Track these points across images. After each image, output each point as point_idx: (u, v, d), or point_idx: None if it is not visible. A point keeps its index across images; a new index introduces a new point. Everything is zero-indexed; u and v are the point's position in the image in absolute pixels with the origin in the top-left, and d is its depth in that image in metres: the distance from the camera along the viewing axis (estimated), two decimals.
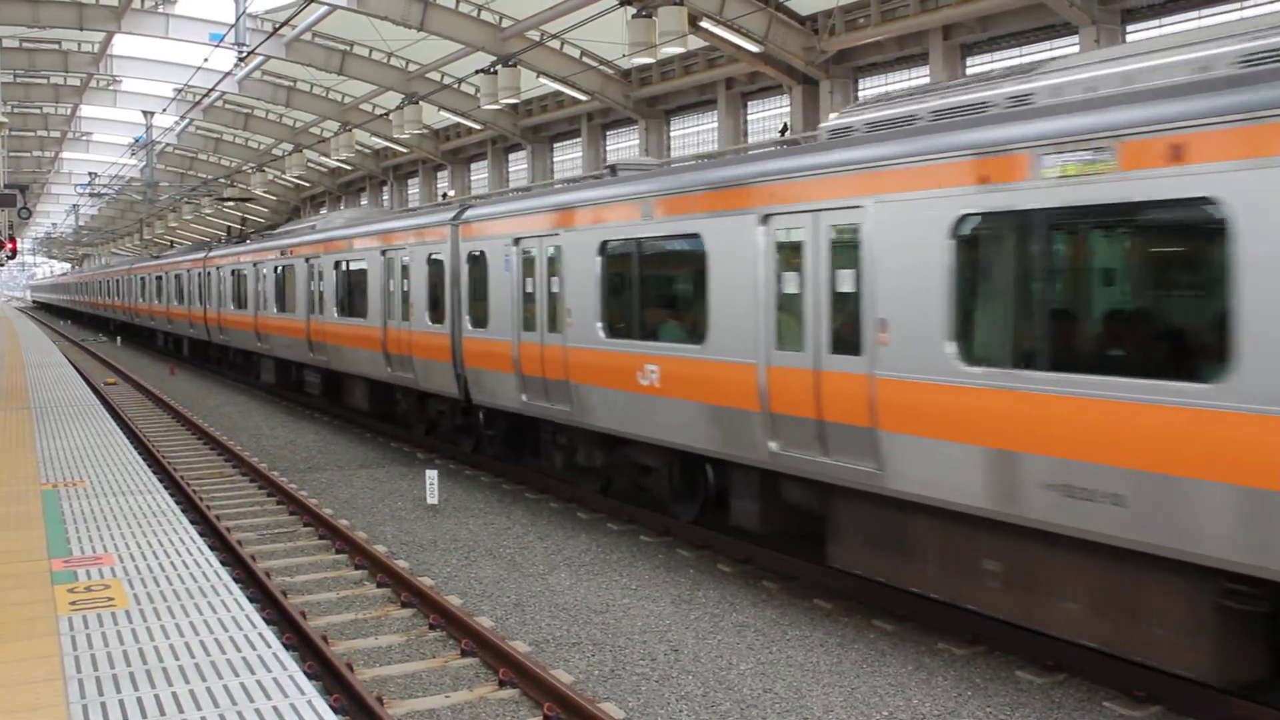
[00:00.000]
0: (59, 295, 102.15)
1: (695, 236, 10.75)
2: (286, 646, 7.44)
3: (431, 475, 14.66)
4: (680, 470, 12.00)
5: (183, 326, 37.45)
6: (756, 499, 10.56)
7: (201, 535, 9.75)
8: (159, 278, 41.24)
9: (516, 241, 14.21)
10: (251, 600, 8.12)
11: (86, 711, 5.08)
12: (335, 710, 5.82)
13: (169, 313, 39.43)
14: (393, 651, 8.98)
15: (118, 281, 54.43)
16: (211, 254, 32.77)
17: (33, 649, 5.92)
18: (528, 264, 14.02)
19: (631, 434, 11.99)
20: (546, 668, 8.19)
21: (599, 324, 12.42)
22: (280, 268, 24.88)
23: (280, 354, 25.47)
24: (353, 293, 20.22)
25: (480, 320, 15.19)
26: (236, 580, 9.32)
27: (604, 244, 12.38)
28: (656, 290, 12.05)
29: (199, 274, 33.80)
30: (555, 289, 13.29)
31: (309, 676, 6.09)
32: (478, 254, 15.26)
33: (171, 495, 10.90)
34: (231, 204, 53.24)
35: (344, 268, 20.75)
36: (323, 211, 56.59)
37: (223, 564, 8.38)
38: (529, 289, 13.96)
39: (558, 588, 10.71)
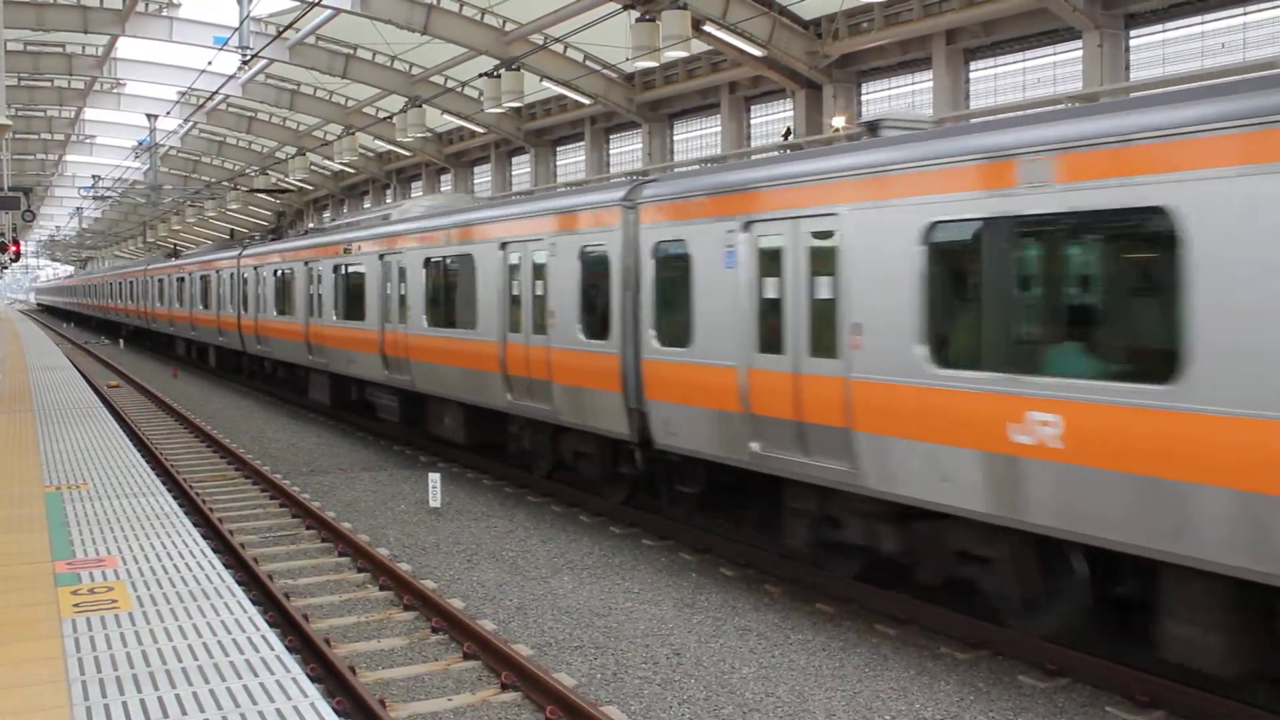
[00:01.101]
0: (65, 298, 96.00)
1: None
2: (289, 649, 7.44)
3: (434, 478, 14.66)
4: None
5: (209, 334, 33.29)
6: None
7: (204, 538, 9.75)
8: (180, 279, 37.19)
9: (748, 227, 10.22)
10: (254, 603, 8.12)
11: (89, 713, 5.08)
12: (338, 713, 5.82)
13: (193, 318, 35.26)
14: (395, 654, 8.98)
15: (131, 284, 50.23)
16: (248, 252, 28.67)
17: (36, 651, 5.93)
18: (772, 259, 9.99)
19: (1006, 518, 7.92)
20: (549, 671, 8.19)
21: (917, 345, 8.48)
22: (343, 267, 21.01)
23: (340, 370, 21.28)
24: (450, 297, 16.47)
25: (677, 337, 11.17)
26: (239, 583, 9.32)
27: (937, 226, 8.37)
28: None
29: (231, 275, 29.74)
30: (827, 294, 9.42)
31: (311, 679, 6.09)
32: (673, 246, 11.30)
33: (174, 498, 10.91)
34: (250, 194, 53.19)
35: (439, 266, 16.84)
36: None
37: (225, 566, 8.39)
38: (773, 294, 10.00)
39: (560, 591, 10.70)
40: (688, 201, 11.16)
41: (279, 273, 25.23)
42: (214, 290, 31.81)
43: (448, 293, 16.56)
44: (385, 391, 19.35)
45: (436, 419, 17.64)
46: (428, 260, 17.13)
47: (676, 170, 12.43)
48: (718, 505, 12.01)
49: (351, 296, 20.42)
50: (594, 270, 12.68)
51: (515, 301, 14.29)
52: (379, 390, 19.65)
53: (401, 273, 17.95)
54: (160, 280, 41.35)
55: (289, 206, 61.60)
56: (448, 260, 16.49)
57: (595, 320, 12.63)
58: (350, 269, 20.58)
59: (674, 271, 11.36)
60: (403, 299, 17.87)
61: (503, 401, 14.72)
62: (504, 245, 14.56)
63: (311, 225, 32.95)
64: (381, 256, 18.72)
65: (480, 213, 15.78)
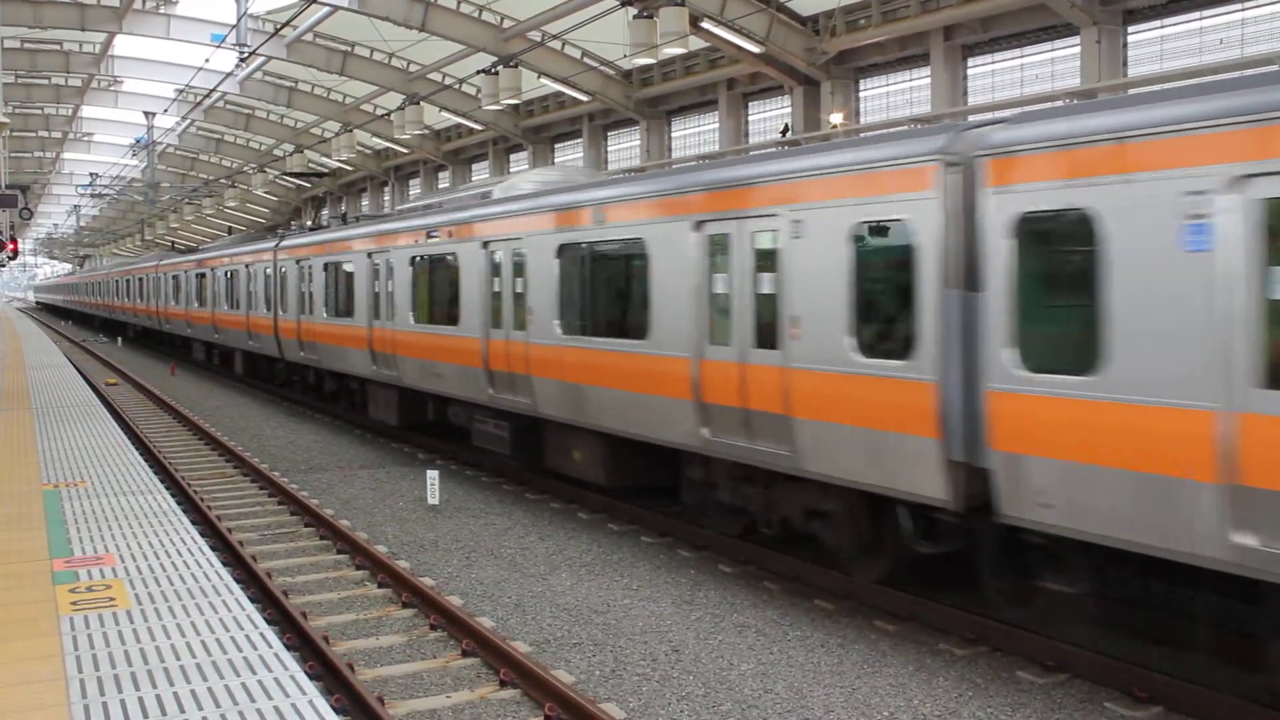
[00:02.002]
0: (66, 296, 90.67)
1: None
2: (288, 647, 7.44)
3: (432, 476, 14.66)
4: None
5: (235, 337, 29.18)
6: None
7: (203, 535, 9.76)
8: (200, 276, 33.43)
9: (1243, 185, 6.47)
10: (253, 600, 8.13)
11: (88, 711, 5.08)
12: (336, 710, 5.83)
13: (216, 320, 31.12)
14: (394, 652, 8.98)
15: (140, 281, 46.19)
16: (286, 243, 24.78)
17: (34, 649, 5.93)
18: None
19: None
20: (547, 668, 8.19)
21: None
22: (424, 259, 17.08)
23: (418, 385, 17.40)
24: (611, 297, 12.89)
25: (1066, 356, 7.52)
26: (238, 580, 9.33)
27: None
28: None
29: (265, 270, 25.96)
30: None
31: (310, 677, 6.09)
32: (1060, 218, 7.59)
33: (173, 495, 10.91)
34: (248, 193, 52.81)
35: (592, 256, 12.90)
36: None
37: (224, 564, 8.38)
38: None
39: (559, 588, 10.71)
40: (1097, 150, 7.24)
41: (331, 267, 21.43)
42: (242, 288, 27.92)
43: (607, 291, 12.91)
44: (489, 415, 15.39)
45: (562, 452, 13.87)
46: (570, 247, 13.14)
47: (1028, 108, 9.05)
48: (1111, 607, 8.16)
49: (438, 295, 16.75)
50: (880, 258, 9.04)
51: (716, 301, 10.89)
52: (479, 413, 15.77)
53: (518, 265, 14.27)
54: (175, 277, 37.60)
55: (286, 204, 61.57)
56: (612, 247, 12.55)
57: (881, 328, 9.07)
58: (436, 260, 16.76)
59: (1059, 257, 7.82)
60: (520, 298, 14.22)
61: (696, 438, 11.03)
62: (699, 225, 10.94)
63: (363, 212, 28.08)
64: (486, 244, 15.03)
65: (674, 180, 11.73)
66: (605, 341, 12.49)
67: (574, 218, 13.12)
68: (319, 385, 24.22)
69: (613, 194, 12.55)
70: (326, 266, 21.66)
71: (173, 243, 56.53)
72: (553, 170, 18.80)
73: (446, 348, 16.16)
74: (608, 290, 12.92)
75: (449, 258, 16.25)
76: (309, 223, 35.13)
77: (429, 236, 16.86)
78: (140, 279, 46.07)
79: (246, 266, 27.69)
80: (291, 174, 38.64)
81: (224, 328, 30.39)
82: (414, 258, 17.42)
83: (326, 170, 39.52)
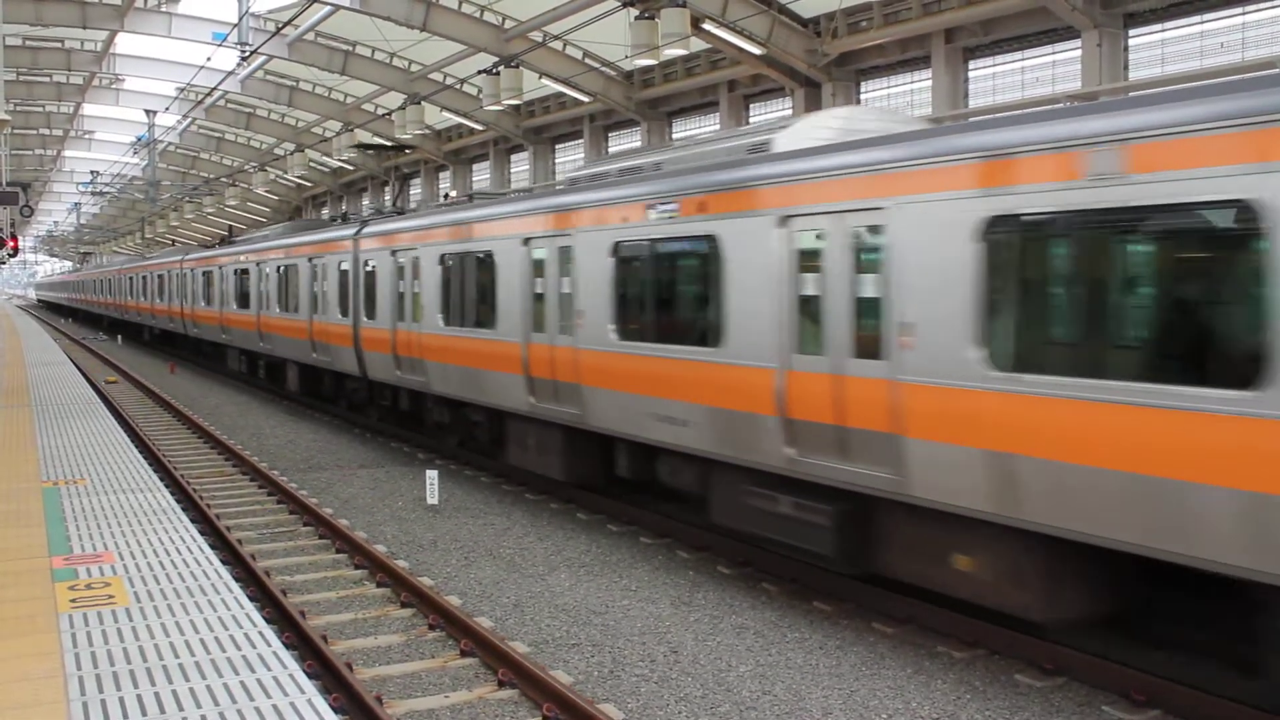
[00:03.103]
0: (71, 294, 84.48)
1: None
2: (286, 645, 7.44)
3: (432, 475, 14.66)
4: None
5: (292, 348, 23.87)
6: None
7: (202, 534, 9.76)
8: (241, 272, 28.24)
9: None
10: (251, 599, 8.13)
11: (86, 708, 5.08)
12: (335, 709, 5.83)
13: (264, 325, 25.93)
14: (392, 651, 8.98)
15: (161, 278, 40.72)
16: (376, 229, 19.27)
17: (33, 646, 5.93)
18: None
19: None
20: (546, 668, 8.19)
21: None
22: (645, 245, 11.60)
23: (619, 428, 12.02)
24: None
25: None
26: (236, 579, 9.33)
27: None
28: None
29: (340, 265, 20.76)
30: None
31: (309, 675, 6.09)
32: None
33: (172, 493, 10.91)
34: (248, 192, 52.59)
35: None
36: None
37: (223, 563, 8.38)
38: None
39: (557, 589, 10.71)
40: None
41: (456, 259, 15.88)
42: (303, 287, 22.88)
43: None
44: (789, 489, 9.89)
45: (921, 559, 8.84)
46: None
47: None
48: None
49: (677, 299, 11.56)
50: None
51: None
52: (750, 489, 10.34)
53: (862, 256, 8.99)
54: (207, 273, 32.22)
55: (287, 203, 61.59)
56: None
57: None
58: (671, 249, 11.40)
59: None
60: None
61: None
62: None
63: (475, 191, 21.97)
64: (785, 220, 9.65)
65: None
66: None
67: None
68: (414, 413, 18.87)
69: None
70: (447, 259, 16.15)
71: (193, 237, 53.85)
72: (831, 115, 11.64)
73: (677, 377, 10.94)
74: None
75: (684, 244, 11.11)
76: (379, 206, 30.23)
77: (648, 211, 11.34)
78: (161, 276, 40.44)
79: (310, 260, 22.48)
80: (362, 146, 32.46)
81: (274, 335, 24.98)
82: (620, 244, 11.91)
83: (391, 144, 33.62)
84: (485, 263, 14.98)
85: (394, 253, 18.16)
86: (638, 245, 11.73)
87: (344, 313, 20.50)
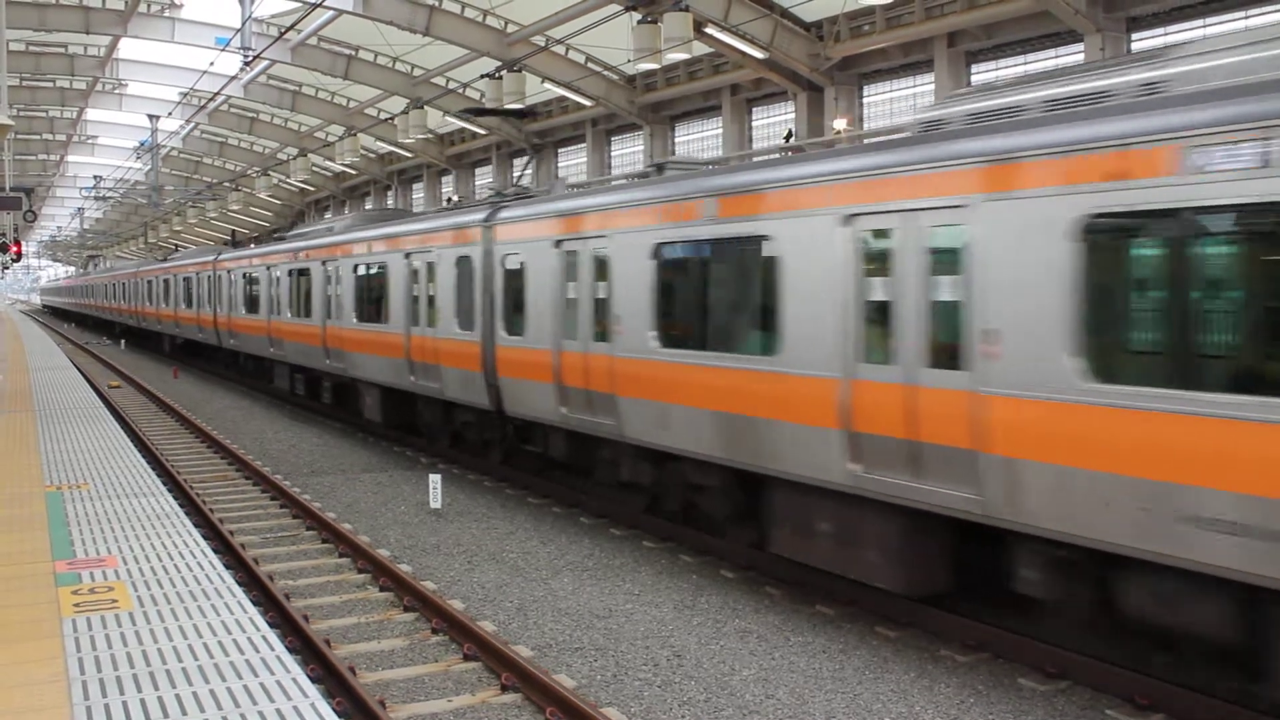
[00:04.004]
0: (79, 300, 78.22)
1: None
2: (289, 650, 7.44)
3: (435, 480, 14.66)
4: None
5: (372, 367, 19.25)
6: None
7: (205, 538, 9.76)
8: (299, 273, 23.23)
9: None
10: (254, 603, 8.12)
11: (90, 713, 5.08)
12: (338, 713, 5.83)
13: (332, 337, 21.14)
14: (395, 655, 8.98)
15: (186, 282, 35.77)
16: (520, 212, 14.63)
17: (36, 651, 5.93)
18: None
19: None
20: (549, 672, 8.19)
21: None
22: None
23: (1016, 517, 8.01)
24: None
25: None
26: (240, 583, 9.32)
27: None
28: None
29: (459, 260, 16.04)
30: None
31: (311, 680, 6.09)
32: None
33: (175, 498, 10.91)
34: (251, 197, 52.22)
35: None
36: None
37: (226, 567, 8.39)
38: None
39: (560, 592, 10.70)
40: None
41: (687, 254, 11.21)
42: (395, 292, 18.17)
43: None
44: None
45: None
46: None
47: None
48: None
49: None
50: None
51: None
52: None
53: None
54: (250, 276, 27.59)
55: (289, 208, 61.65)
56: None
57: None
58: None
59: None
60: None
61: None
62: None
63: (675, 159, 13.65)
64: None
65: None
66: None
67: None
68: (579, 465, 14.19)
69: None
70: (676, 251, 11.27)
71: (232, 232, 49.04)
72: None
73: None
74: None
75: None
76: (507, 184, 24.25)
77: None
78: (188, 279, 35.57)
79: (408, 256, 17.74)
80: (477, 110, 25.85)
81: (349, 352, 20.29)
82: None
83: (517, 109, 28.47)
84: (756, 256, 10.12)
85: (560, 243, 13.29)
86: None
87: (466, 325, 15.71)
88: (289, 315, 24.16)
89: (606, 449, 13.11)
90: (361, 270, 19.90)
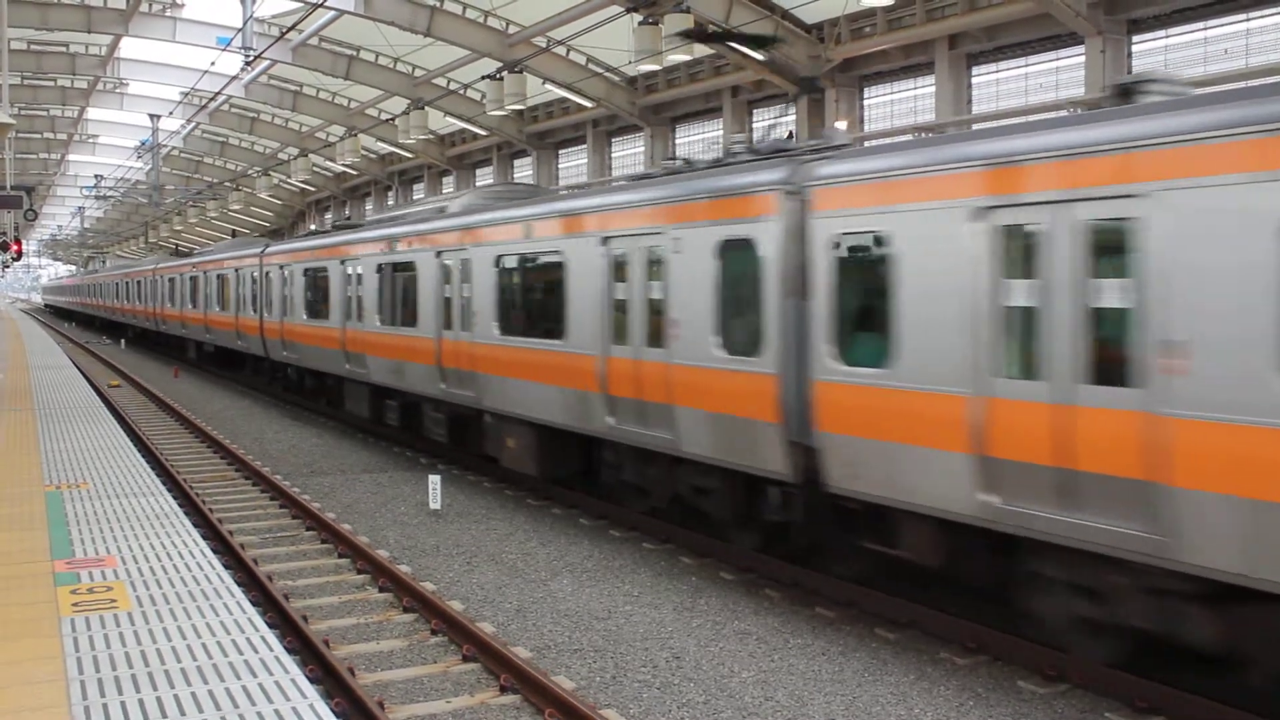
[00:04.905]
0: (85, 299, 72.01)
1: None
2: (288, 650, 7.44)
3: (434, 480, 14.66)
4: None
5: (556, 404, 13.25)
6: None
7: (204, 538, 9.76)
8: (400, 267, 17.97)
9: None
10: (254, 603, 8.12)
11: (88, 713, 5.08)
12: (336, 714, 5.82)
13: (466, 357, 15.51)
14: (394, 656, 8.98)
15: (220, 280, 30.88)
16: (842, 168, 9.28)
17: (35, 650, 5.92)
18: None
19: None
20: (548, 674, 8.19)
21: None
22: None
23: None
24: None
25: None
26: (239, 583, 9.32)
27: None
28: None
29: (777, 243, 9.77)
30: None
31: (310, 680, 6.09)
32: None
33: (174, 498, 10.91)
34: (252, 196, 52.07)
35: None
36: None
37: (225, 567, 8.39)
38: None
39: (560, 594, 10.70)
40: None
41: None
42: (593, 293, 12.44)
43: None
44: None
45: None
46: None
47: None
48: None
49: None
50: None
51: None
52: None
53: None
54: (314, 274, 22.44)
55: (290, 208, 61.67)
56: None
57: None
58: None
59: None
60: None
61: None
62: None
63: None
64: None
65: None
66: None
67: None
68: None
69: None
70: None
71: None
72: None
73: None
74: None
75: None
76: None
77: None
78: (222, 276, 30.71)
79: (606, 243, 12.21)
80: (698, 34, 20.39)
81: (484, 374, 14.91)
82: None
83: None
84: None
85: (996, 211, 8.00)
86: None
87: (745, 346, 10.15)
88: (377, 323, 18.80)
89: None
90: (512, 264, 14.52)
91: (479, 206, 16.44)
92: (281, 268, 24.81)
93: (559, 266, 13.12)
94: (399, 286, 18.15)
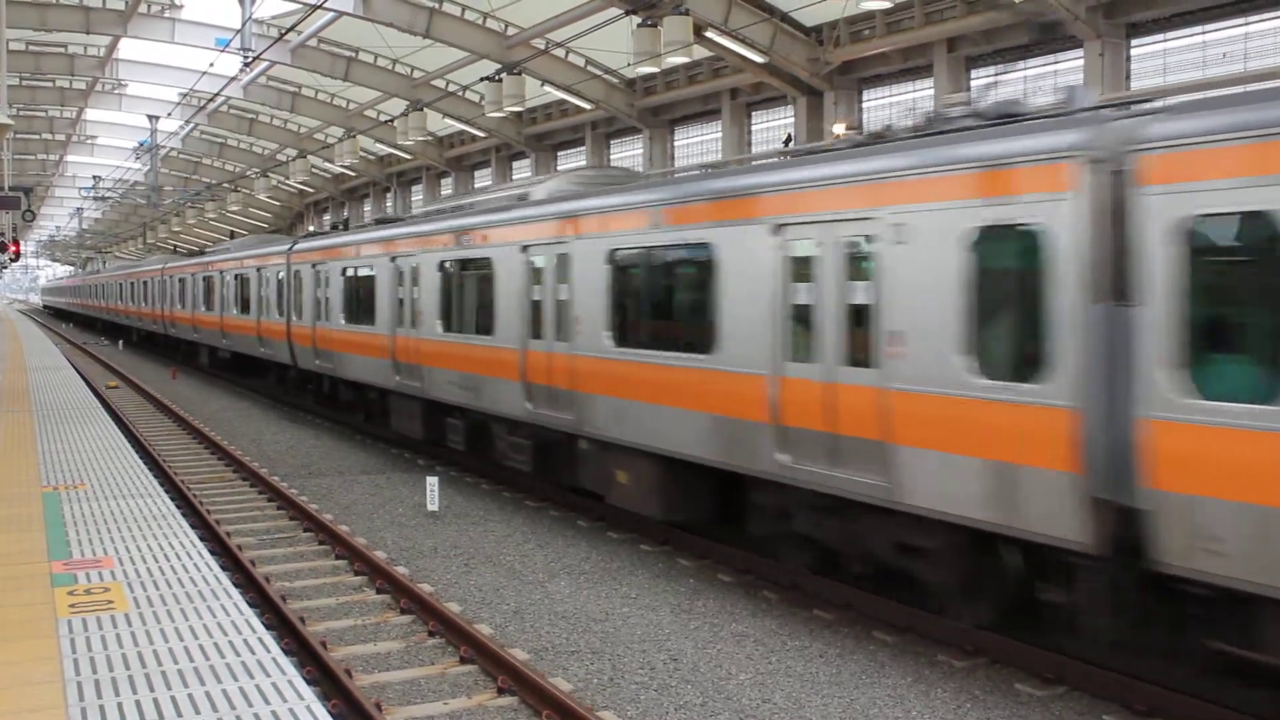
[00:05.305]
0: (87, 300, 68.45)
1: None
2: (286, 651, 7.42)
3: (432, 482, 14.66)
4: None
5: (691, 433, 10.79)
6: None
7: (201, 539, 9.75)
8: (530, 257, 13.77)
9: None
10: (251, 605, 8.11)
11: (85, 714, 5.07)
12: (334, 716, 5.82)
13: (579, 371, 12.64)
14: (391, 658, 8.97)
15: (241, 281, 28.10)
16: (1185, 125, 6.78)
17: (32, 651, 5.92)
18: None
19: None
20: (545, 675, 8.18)
21: None
22: None
23: None
24: None
25: None
26: (236, 585, 9.32)
27: None
28: None
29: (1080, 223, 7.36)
30: None
31: (308, 682, 6.08)
32: None
33: (172, 499, 10.91)
34: (251, 197, 52.03)
35: None
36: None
37: (222, 568, 8.38)
38: None
39: (557, 596, 10.70)
40: None
41: None
42: (758, 297, 10.01)
43: None
44: None
45: None
46: None
47: None
48: None
49: None
50: None
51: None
52: None
53: None
54: (356, 274, 19.94)
55: (288, 209, 61.66)
56: None
57: None
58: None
59: None
60: None
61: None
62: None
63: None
64: None
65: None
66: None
67: None
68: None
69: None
70: None
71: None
72: None
73: None
74: None
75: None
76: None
77: None
78: (242, 277, 27.92)
79: (779, 230, 9.82)
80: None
81: (588, 394, 12.57)
82: None
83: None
84: None
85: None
86: None
87: (1026, 369, 7.81)
88: (439, 330, 16.30)
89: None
90: (633, 259, 12.02)
91: (572, 193, 13.79)
92: (314, 266, 22.00)
93: (707, 264, 10.67)
94: (469, 287, 15.64)
